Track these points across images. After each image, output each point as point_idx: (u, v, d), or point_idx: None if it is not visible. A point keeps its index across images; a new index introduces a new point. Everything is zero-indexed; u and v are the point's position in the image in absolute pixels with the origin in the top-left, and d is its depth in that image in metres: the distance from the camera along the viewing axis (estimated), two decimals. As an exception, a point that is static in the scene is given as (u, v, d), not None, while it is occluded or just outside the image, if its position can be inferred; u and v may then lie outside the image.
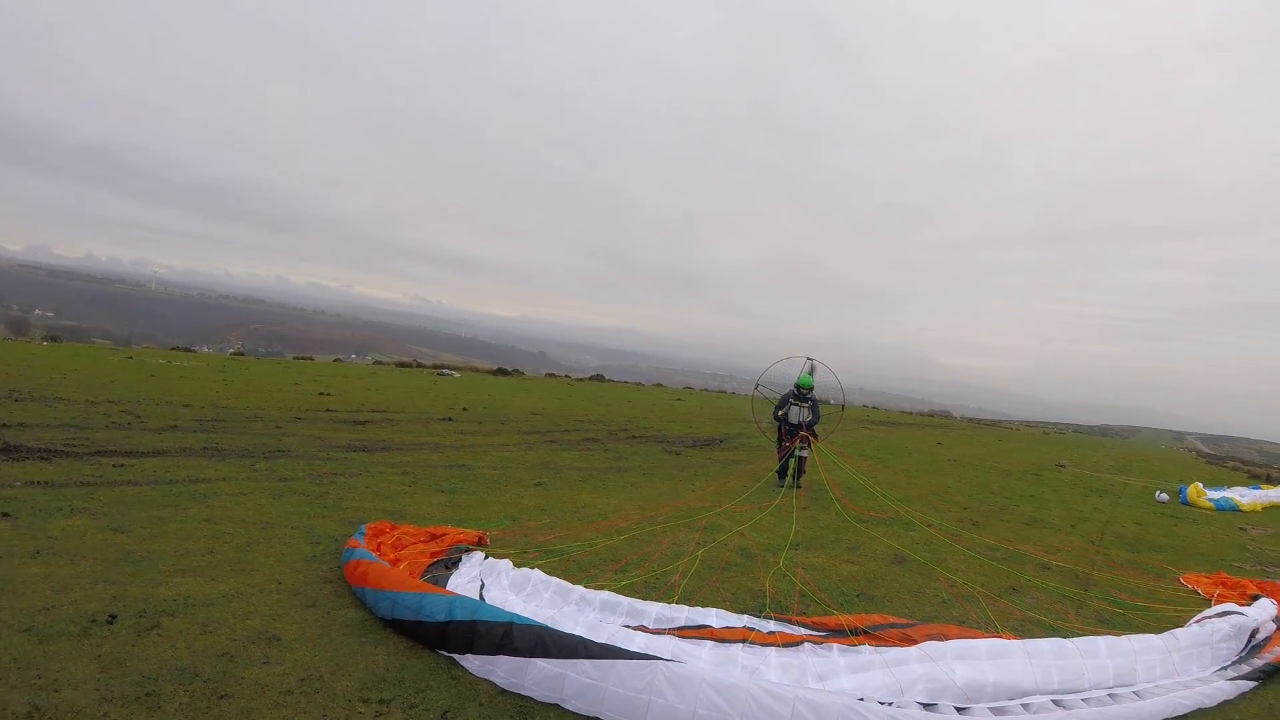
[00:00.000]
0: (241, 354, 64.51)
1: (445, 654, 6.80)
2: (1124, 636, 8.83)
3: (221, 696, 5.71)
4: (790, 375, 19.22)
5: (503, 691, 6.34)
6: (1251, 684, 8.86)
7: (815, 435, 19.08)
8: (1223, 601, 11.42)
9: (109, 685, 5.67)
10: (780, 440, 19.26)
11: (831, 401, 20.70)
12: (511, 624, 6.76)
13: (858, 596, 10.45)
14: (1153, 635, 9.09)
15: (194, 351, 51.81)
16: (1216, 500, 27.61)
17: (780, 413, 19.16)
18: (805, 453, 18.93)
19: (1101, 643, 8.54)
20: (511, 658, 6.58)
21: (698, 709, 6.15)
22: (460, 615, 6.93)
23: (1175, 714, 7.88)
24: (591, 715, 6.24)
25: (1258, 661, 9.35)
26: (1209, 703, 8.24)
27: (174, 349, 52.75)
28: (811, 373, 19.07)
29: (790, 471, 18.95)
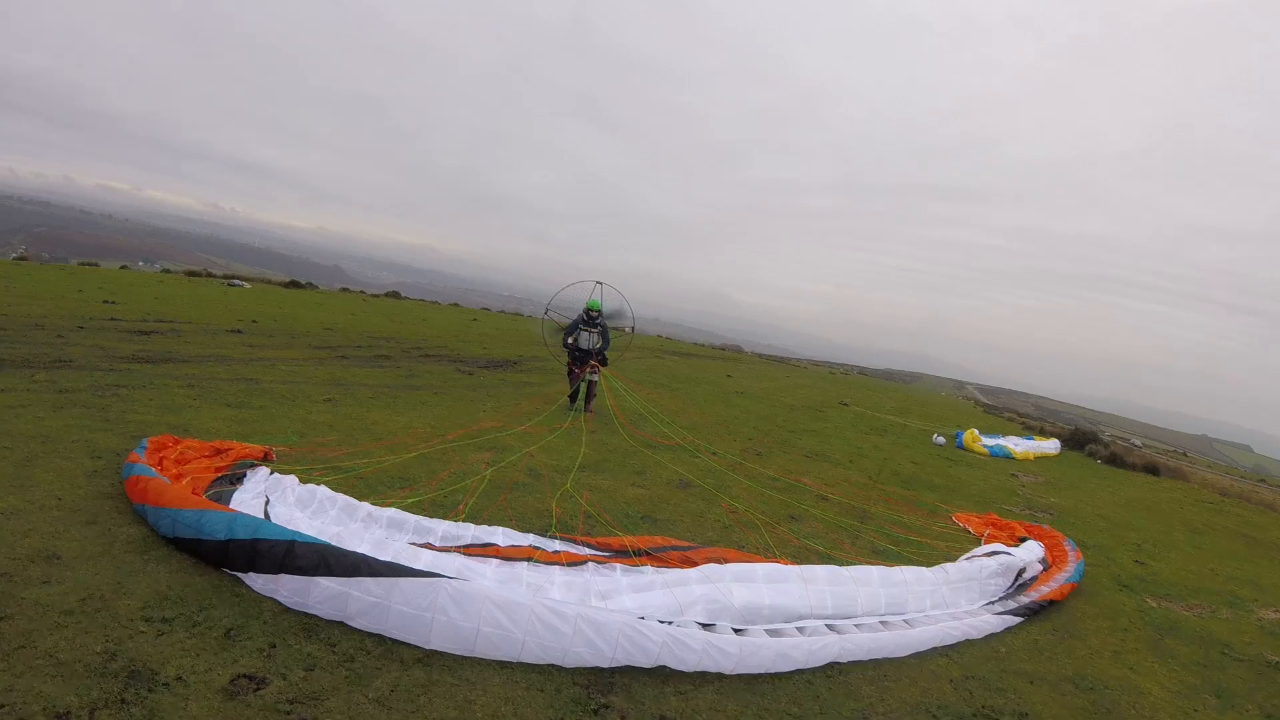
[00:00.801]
0: (25, 259, 61.25)
1: (229, 572, 6.85)
2: (897, 568, 9.55)
3: (1, 618, 5.75)
4: (581, 300, 19.61)
5: (287, 610, 6.46)
6: (1017, 619, 9.70)
7: (605, 361, 19.60)
8: (993, 541, 12.45)
9: (-120, 607, 5.69)
10: (570, 366, 19.70)
11: (624, 329, 21.13)
12: (294, 542, 6.75)
13: (642, 519, 10.97)
14: (924, 568, 9.85)
15: (-30, 254, 48.97)
16: (991, 447, 29.52)
17: (570, 339, 19.47)
18: (595, 377, 19.39)
19: (875, 572, 9.21)
20: (294, 576, 6.60)
21: (481, 626, 6.38)
22: (241, 534, 6.89)
23: (944, 643, 8.53)
24: (376, 632, 6.39)
25: (1024, 599, 10.26)
26: (976, 634, 8.97)
27: (-51, 250, 49.78)
28: (600, 298, 19.54)
29: (580, 395, 19.49)
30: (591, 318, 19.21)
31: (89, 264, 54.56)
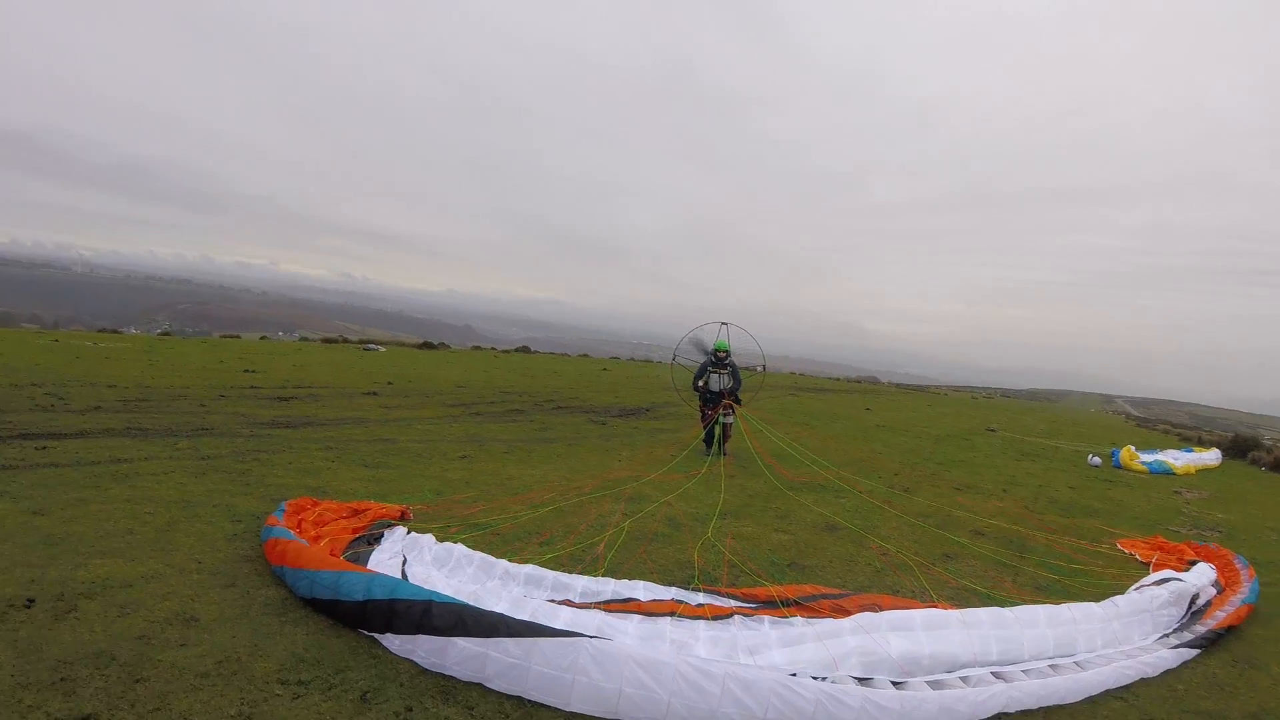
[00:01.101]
0: (169, 334, 63.57)
1: (367, 633, 6.75)
2: (1063, 605, 8.89)
3: (137, 680, 5.70)
4: (707, 343, 19.33)
5: (425, 671, 6.31)
6: (1194, 652, 8.96)
7: (738, 401, 19.25)
8: (1161, 568, 11.63)
9: (24, 670, 5.68)
10: (703, 409, 19.38)
11: (755, 369, 20.84)
12: (431, 602, 6.66)
13: (788, 566, 10.48)
14: (1092, 604, 9.16)
15: (121, 333, 50.97)
16: (1150, 463, 28.03)
17: (700, 382, 19.23)
18: (729, 419, 19.04)
19: (1040, 611, 8.56)
20: (431, 637, 6.48)
21: (624, 687, 6.11)
22: (379, 594, 6.83)
23: (1118, 684, 7.91)
24: (515, 694, 6.18)
25: (1199, 628, 9.47)
26: (1152, 672, 8.29)
27: (101, 331, 51.88)
28: (726, 338, 19.17)
29: (715, 439, 19.09)
30: (720, 358, 18.95)
31: (230, 336, 56.37)
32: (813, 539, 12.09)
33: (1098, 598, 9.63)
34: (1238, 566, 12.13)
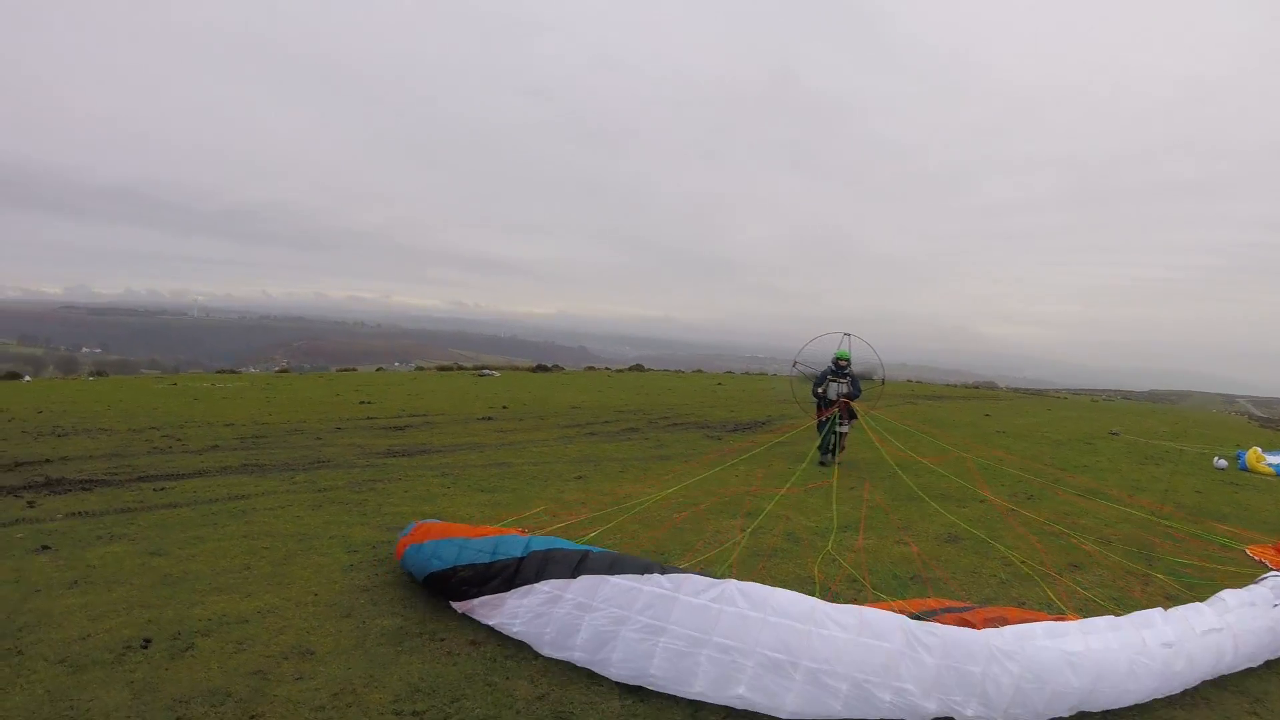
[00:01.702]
0: (286, 371, 64.97)
1: (510, 595, 7.23)
2: (1177, 608, 8.44)
3: (253, 716, 5.68)
4: (828, 352, 19.04)
5: (540, 698, 6.21)
6: None
7: (853, 413, 18.86)
8: None
9: (141, 711, 5.64)
10: (819, 418, 19.03)
11: (872, 377, 20.39)
12: (589, 550, 7.33)
13: (911, 579, 10.09)
14: (1199, 603, 8.70)
15: (239, 373, 52.22)
16: (1277, 465, 26.84)
17: (820, 389, 18.98)
18: (845, 429, 18.71)
19: (1155, 614, 8.15)
20: (588, 577, 6.92)
21: (768, 616, 6.35)
22: (538, 546, 7.55)
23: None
24: (657, 627, 6.44)
25: None
26: None
27: (219, 372, 53.22)
28: (848, 348, 18.86)
29: (832, 448, 18.74)
30: (840, 367, 18.67)
31: (346, 369, 57.40)
32: (935, 550, 11.70)
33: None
34: None
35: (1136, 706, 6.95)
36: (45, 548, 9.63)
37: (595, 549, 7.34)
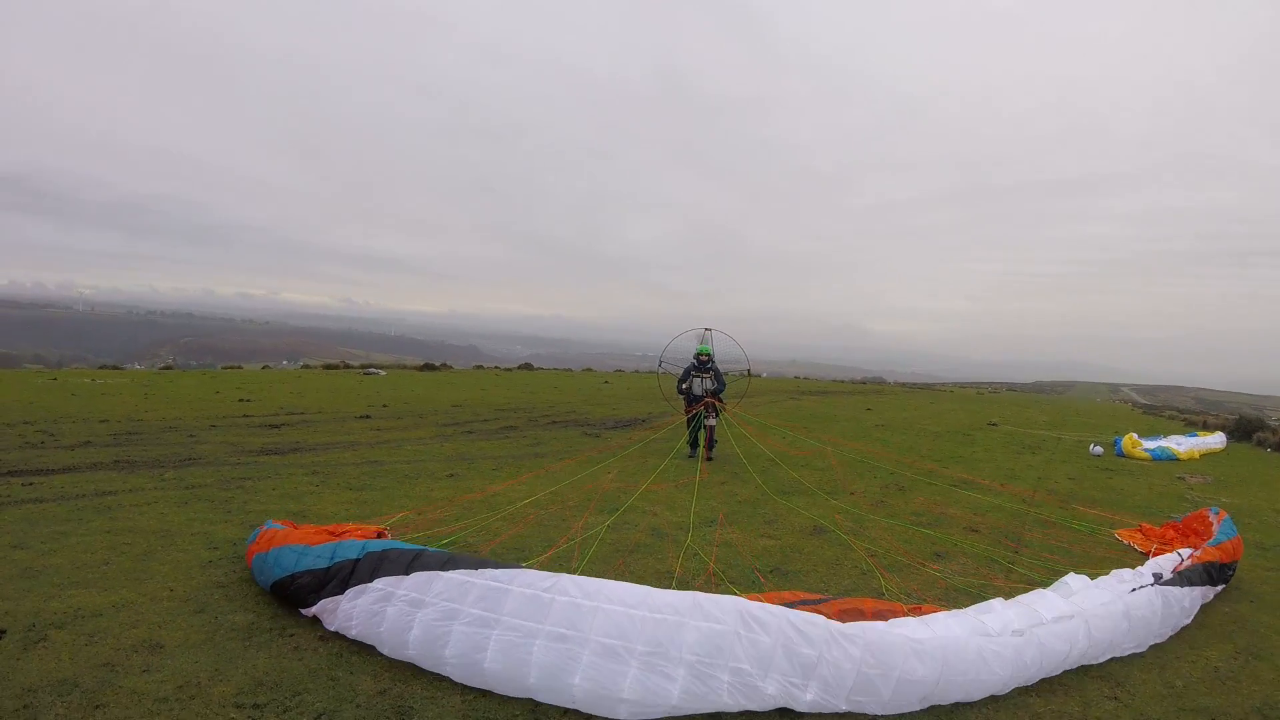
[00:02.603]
0: (170, 368, 63.80)
1: (344, 592, 7.34)
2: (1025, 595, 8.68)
3: (97, 706, 5.88)
4: (693, 348, 19.56)
5: (382, 693, 6.39)
6: (1189, 588, 9.33)
7: (721, 403, 19.43)
8: (1161, 554, 11.46)
9: (-10, 699, 5.87)
10: (688, 414, 19.60)
11: (737, 372, 20.88)
12: (424, 550, 7.45)
13: (771, 572, 10.32)
14: (1043, 589, 8.97)
15: (122, 369, 51.22)
16: (1153, 450, 27.83)
17: (684, 385, 19.50)
18: (712, 422, 19.19)
19: (996, 602, 8.37)
20: (421, 573, 7.04)
21: (601, 604, 6.49)
22: (375, 549, 7.60)
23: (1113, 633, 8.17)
24: (489, 618, 6.56)
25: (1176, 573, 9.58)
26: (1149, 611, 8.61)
27: (103, 368, 52.16)
28: (710, 344, 19.45)
29: (700, 443, 19.32)
30: (702, 362, 19.22)
31: (232, 367, 56.60)
32: (799, 543, 11.96)
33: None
34: (1210, 518, 12.17)
35: (992, 696, 7.13)
36: (-97, 543, 9.73)
37: (431, 549, 7.51)
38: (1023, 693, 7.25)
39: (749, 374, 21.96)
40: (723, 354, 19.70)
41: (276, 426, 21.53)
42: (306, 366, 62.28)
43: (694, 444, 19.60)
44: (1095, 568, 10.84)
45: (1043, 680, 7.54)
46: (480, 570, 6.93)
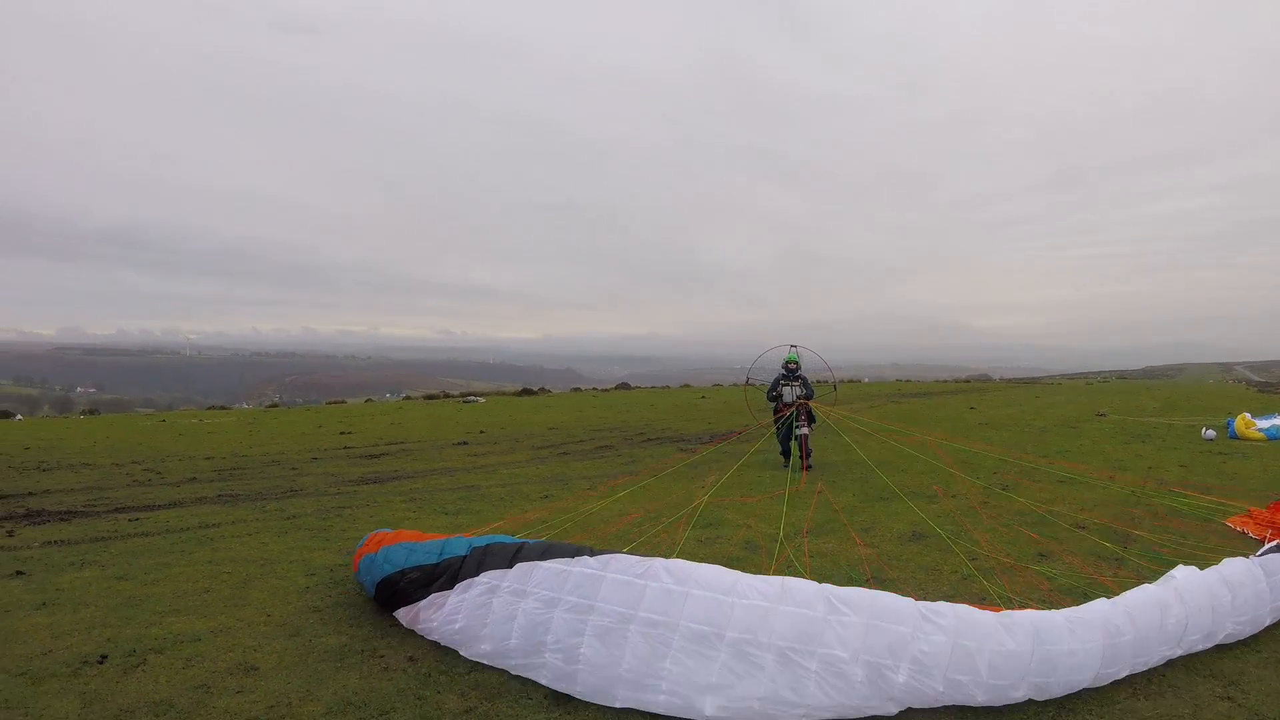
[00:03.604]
0: (276, 405, 65.36)
1: (453, 593, 7.64)
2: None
3: None
4: (781, 359, 19.79)
5: (468, 711, 6.38)
6: None
7: (811, 414, 19.42)
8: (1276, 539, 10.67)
9: (89, 719, 6.09)
10: (777, 423, 19.58)
11: (825, 381, 20.79)
12: (524, 542, 7.91)
13: (868, 581, 9.81)
14: (1148, 584, 8.11)
15: (229, 409, 52.62)
16: (1267, 429, 26.45)
17: (775, 394, 19.76)
18: (804, 431, 19.12)
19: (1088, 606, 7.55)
20: (523, 564, 7.42)
21: (691, 590, 6.56)
22: (479, 543, 8.10)
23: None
24: (586, 606, 6.72)
25: None
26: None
27: (210, 408, 53.58)
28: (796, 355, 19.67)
29: (792, 453, 19.37)
30: (790, 370, 19.42)
31: (336, 402, 57.70)
32: (897, 550, 11.55)
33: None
34: None
35: (1096, 697, 6.73)
36: (19, 573, 10.19)
37: (530, 540, 7.87)
38: (1130, 696, 6.79)
39: (834, 387, 21.83)
40: (808, 369, 19.71)
41: (376, 456, 21.92)
42: (408, 398, 63.23)
43: (785, 453, 19.70)
44: (1207, 558, 10.04)
45: (1151, 680, 7.07)
46: (577, 559, 7.17)
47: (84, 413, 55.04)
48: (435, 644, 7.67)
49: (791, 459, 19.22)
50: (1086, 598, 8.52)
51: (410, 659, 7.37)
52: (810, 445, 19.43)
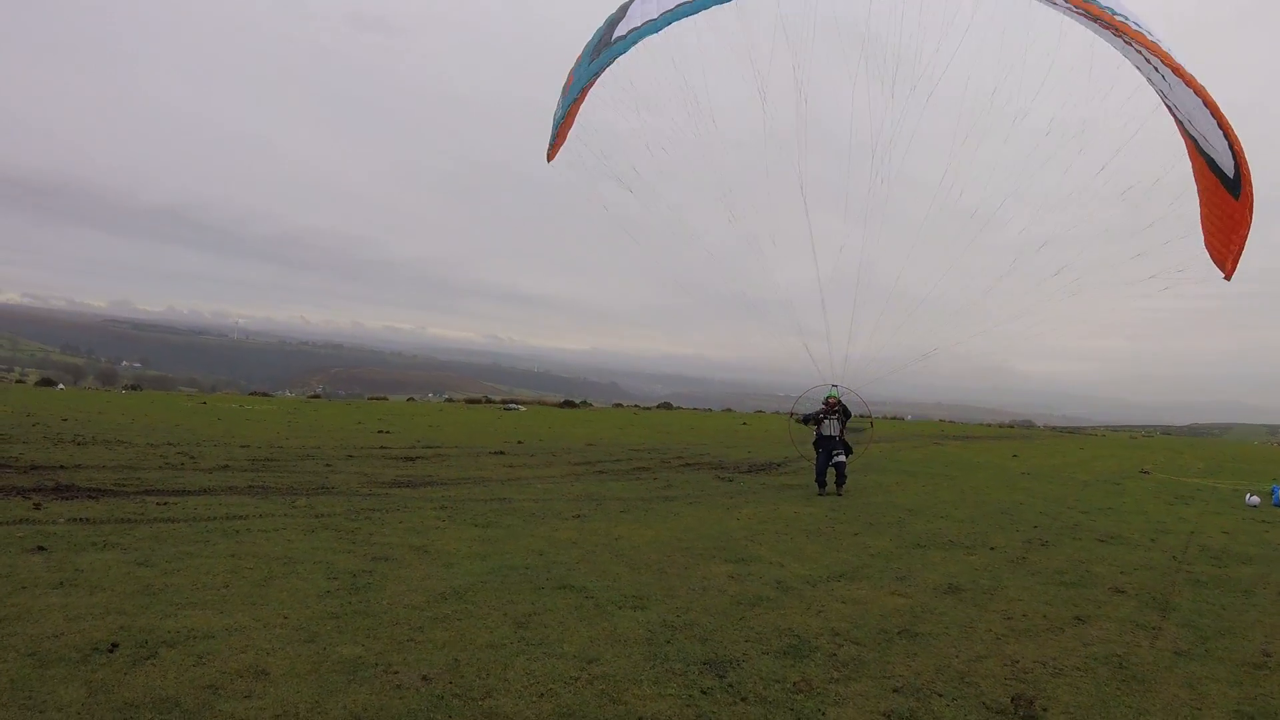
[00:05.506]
0: (318, 396, 65.80)
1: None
2: None
3: None
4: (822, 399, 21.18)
5: None
6: None
7: (848, 445, 20.81)
8: None
9: (91, 710, 5.91)
10: (816, 442, 20.94)
11: (863, 415, 21.38)
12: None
13: (899, 634, 9.49)
14: None
15: (271, 396, 52.98)
16: (1312, 499, 25.88)
17: (814, 423, 20.99)
18: (841, 458, 20.21)
19: None
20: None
21: None
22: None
23: None
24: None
25: None
26: None
27: (252, 394, 53.95)
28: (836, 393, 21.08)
29: (828, 482, 20.47)
30: (830, 406, 20.75)
31: (378, 398, 57.94)
32: (932, 602, 11.05)
33: (1245, 663, 8.91)
34: None
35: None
36: (41, 548, 10.12)
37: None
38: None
39: (871, 423, 22.38)
40: (849, 404, 21.25)
41: (411, 459, 21.83)
42: (450, 400, 63.42)
43: (821, 482, 20.61)
44: (1245, 636, 10.06)
45: None
46: None
47: (126, 387, 55.80)
48: (452, 662, 7.44)
49: (826, 488, 19.95)
50: (1123, 668, 8.51)
51: (424, 678, 7.12)
52: (845, 473, 20.57)
